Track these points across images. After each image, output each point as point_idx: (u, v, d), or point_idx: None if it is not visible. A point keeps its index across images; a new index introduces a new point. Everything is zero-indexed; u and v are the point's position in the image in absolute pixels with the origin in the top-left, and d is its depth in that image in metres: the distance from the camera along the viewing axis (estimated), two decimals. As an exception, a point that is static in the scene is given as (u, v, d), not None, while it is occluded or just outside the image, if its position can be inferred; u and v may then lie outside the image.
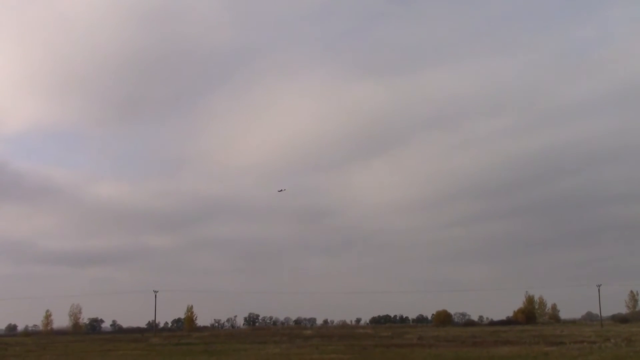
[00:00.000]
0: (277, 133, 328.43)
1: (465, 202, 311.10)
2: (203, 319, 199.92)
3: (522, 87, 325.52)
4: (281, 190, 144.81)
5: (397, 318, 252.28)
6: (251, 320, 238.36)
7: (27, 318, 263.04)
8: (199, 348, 66.28)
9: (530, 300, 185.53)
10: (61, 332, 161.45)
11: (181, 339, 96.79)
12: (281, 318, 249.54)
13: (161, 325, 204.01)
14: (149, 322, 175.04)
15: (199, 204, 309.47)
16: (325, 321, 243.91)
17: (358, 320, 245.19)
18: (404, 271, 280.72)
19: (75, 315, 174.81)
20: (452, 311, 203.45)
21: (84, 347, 72.51)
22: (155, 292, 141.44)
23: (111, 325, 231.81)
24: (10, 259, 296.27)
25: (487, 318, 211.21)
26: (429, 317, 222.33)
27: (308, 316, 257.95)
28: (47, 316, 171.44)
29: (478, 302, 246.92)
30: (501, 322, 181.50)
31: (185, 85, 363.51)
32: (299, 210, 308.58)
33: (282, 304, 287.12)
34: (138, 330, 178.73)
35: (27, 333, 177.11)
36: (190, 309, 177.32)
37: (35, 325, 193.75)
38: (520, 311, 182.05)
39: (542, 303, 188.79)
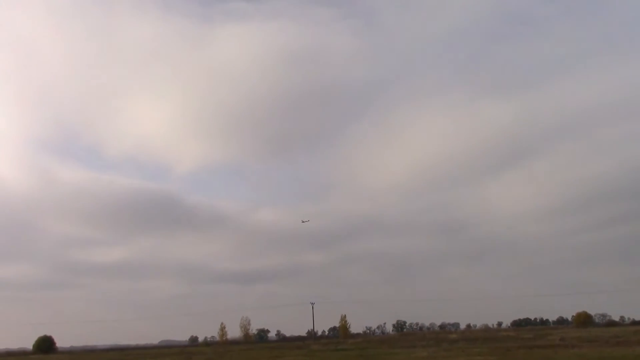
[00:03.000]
0: (414, 154, 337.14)
1: (598, 207, 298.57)
2: (356, 327, 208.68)
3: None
4: (305, 222, 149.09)
5: (538, 320, 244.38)
6: (399, 326, 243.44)
7: (206, 330, 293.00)
8: (354, 353, 70.62)
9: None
10: (234, 342, 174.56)
11: (338, 345, 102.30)
12: (427, 323, 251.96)
13: (319, 333, 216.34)
14: (309, 330, 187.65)
15: (348, 223, 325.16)
16: (469, 325, 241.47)
17: (500, 324, 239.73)
18: (542, 275, 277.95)
19: (245, 326, 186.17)
20: (592, 312, 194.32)
21: (255, 354, 78.94)
22: (312, 303, 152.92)
23: (276, 334, 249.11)
24: (189, 280, 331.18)
25: (629, 318, 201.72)
26: (569, 319, 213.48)
27: (452, 321, 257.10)
28: (222, 328, 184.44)
29: (618, 302, 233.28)
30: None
31: (330, 117, 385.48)
32: (438, 223, 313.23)
33: (427, 310, 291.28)
34: (299, 338, 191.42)
35: (207, 343, 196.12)
36: (344, 318, 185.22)
37: (212, 337, 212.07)
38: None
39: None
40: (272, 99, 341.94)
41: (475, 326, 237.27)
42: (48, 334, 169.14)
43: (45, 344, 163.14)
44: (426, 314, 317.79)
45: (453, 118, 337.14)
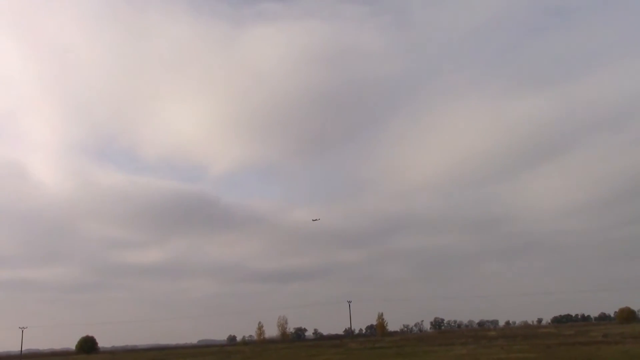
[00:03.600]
0: (449, 150, 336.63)
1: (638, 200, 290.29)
2: (393, 325, 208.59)
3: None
4: (315, 220, 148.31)
5: (579, 317, 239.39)
6: (437, 324, 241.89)
7: (243, 329, 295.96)
8: (392, 351, 70.17)
9: None
10: (272, 341, 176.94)
11: (375, 343, 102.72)
12: (465, 321, 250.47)
13: (356, 331, 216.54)
14: (346, 329, 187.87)
15: (383, 220, 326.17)
16: (508, 322, 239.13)
17: (539, 320, 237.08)
18: (581, 271, 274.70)
19: (282, 325, 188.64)
20: (635, 308, 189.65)
21: (292, 353, 79.32)
22: (349, 302, 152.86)
23: (313, 333, 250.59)
24: (226, 280, 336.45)
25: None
26: (612, 315, 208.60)
27: (490, 318, 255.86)
28: (260, 327, 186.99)
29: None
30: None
31: (364, 115, 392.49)
32: (475, 219, 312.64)
33: (465, 308, 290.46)
34: (336, 337, 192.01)
35: (245, 342, 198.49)
36: (380, 316, 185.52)
37: (250, 336, 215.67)
38: None
39: None
40: (305, 98, 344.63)
41: (514, 323, 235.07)
42: (90, 334, 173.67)
43: (88, 344, 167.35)
44: (464, 311, 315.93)
45: (488, 113, 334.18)
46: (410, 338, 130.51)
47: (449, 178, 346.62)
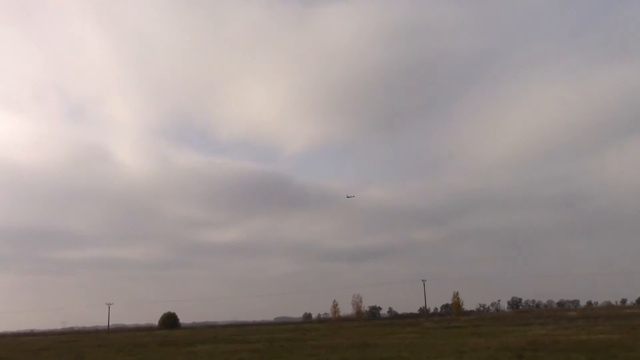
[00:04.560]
0: (528, 124, 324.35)
1: None
2: (469, 304, 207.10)
3: None
4: (350, 197, 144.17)
5: None
6: (514, 303, 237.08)
7: (319, 307, 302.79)
8: (468, 330, 68.57)
9: None
10: (347, 319, 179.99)
11: (451, 322, 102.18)
12: (544, 301, 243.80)
13: (431, 310, 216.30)
14: (420, 308, 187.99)
15: (459, 198, 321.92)
16: (589, 302, 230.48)
17: (623, 301, 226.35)
18: None
19: (357, 304, 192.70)
20: None
21: (367, 331, 78.65)
22: (424, 281, 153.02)
23: (388, 311, 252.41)
24: (302, 259, 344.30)
25: None
26: None
27: (571, 298, 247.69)
28: (335, 305, 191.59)
29: None
30: None
31: (438, 91, 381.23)
32: (556, 196, 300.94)
33: (544, 287, 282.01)
34: (411, 315, 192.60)
35: (320, 320, 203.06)
36: (456, 295, 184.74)
37: (325, 314, 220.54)
38: None
39: None
40: (378, 75, 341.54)
41: (596, 303, 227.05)
42: (172, 310, 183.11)
43: (170, 320, 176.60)
44: (543, 291, 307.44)
45: (569, 85, 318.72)
46: (486, 317, 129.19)
47: (528, 153, 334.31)
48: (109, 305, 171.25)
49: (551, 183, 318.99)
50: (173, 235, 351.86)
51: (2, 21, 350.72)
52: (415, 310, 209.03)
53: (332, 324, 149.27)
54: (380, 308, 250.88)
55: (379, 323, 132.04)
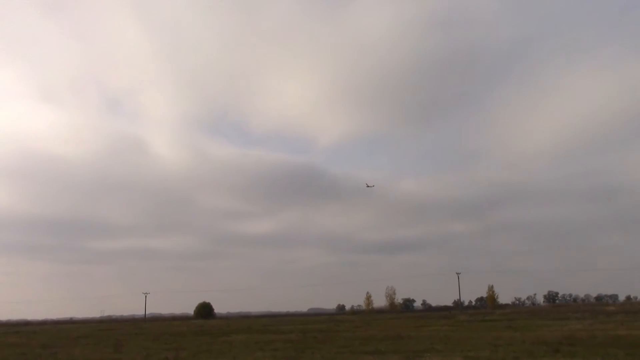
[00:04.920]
0: (566, 115, 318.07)
1: None
2: (504, 297, 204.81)
3: None
4: (370, 186, 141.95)
5: None
6: (551, 297, 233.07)
7: (352, 299, 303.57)
8: (503, 324, 67.61)
9: None
10: (380, 311, 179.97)
11: (485, 315, 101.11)
12: (581, 295, 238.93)
13: (465, 303, 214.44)
14: (455, 300, 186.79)
15: (494, 191, 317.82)
16: (628, 297, 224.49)
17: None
18: None
19: (390, 296, 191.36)
20: None
21: (400, 323, 78.60)
22: (458, 273, 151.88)
23: (422, 304, 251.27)
24: (335, 250, 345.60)
25: None
26: None
27: (609, 292, 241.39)
28: (368, 297, 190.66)
29: None
30: None
31: (473, 81, 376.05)
32: (594, 189, 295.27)
33: (581, 281, 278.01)
34: (445, 308, 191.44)
35: (353, 312, 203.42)
36: (491, 288, 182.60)
37: (359, 305, 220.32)
38: None
39: None
40: (412, 66, 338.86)
41: (635, 298, 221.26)
42: (207, 300, 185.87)
43: (205, 310, 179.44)
44: (581, 285, 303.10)
45: (609, 75, 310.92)
46: (522, 311, 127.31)
47: (566, 145, 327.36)
48: (145, 294, 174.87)
49: (590, 175, 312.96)
50: (208, 226, 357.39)
51: (40, 15, 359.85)
52: (449, 303, 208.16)
53: (365, 315, 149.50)
54: (413, 300, 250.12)
55: (412, 315, 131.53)
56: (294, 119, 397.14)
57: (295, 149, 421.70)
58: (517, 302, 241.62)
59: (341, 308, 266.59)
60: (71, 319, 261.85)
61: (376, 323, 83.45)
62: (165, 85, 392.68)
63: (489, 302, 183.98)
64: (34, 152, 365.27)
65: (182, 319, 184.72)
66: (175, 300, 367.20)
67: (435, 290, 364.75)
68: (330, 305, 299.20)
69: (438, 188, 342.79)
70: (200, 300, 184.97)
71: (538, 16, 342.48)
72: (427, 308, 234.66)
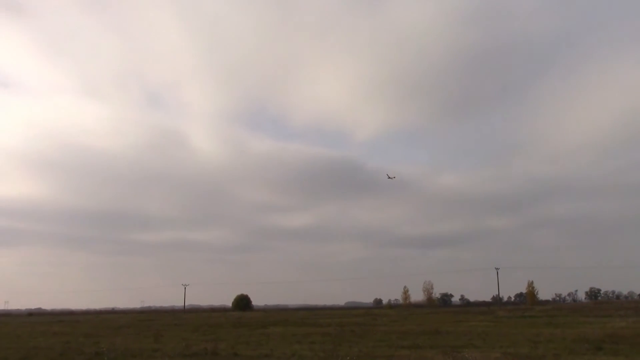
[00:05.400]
0: (609, 108, 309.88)
1: None
2: (544, 293, 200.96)
3: None
4: (391, 178, 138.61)
5: None
6: (592, 294, 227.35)
7: (389, 293, 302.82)
8: (543, 320, 66.70)
9: None
10: (417, 306, 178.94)
11: (525, 311, 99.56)
12: (624, 292, 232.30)
13: (504, 299, 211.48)
14: (493, 296, 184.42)
15: (534, 186, 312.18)
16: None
17: None
18: None
19: (428, 290, 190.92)
20: None
21: (438, 318, 77.96)
22: (497, 269, 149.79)
23: (460, 299, 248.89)
24: (372, 244, 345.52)
25: None
26: None
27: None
28: (405, 291, 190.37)
29: None
30: None
31: (513, 75, 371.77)
32: (636, 184, 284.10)
33: (624, 278, 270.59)
34: (484, 304, 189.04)
35: (390, 306, 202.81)
36: (531, 284, 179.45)
37: (396, 299, 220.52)
38: None
39: None
40: (450, 60, 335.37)
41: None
42: (245, 293, 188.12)
43: (243, 302, 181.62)
44: (624, 282, 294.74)
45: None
46: (562, 308, 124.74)
47: (609, 139, 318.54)
48: (185, 286, 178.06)
49: (634, 170, 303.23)
50: (246, 220, 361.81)
51: (82, 11, 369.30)
52: (488, 299, 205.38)
53: (403, 310, 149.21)
54: (451, 295, 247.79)
55: (450, 310, 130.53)
56: (332, 113, 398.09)
57: (333, 143, 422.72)
58: (558, 298, 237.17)
59: (378, 302, 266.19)
60: (113, 309, 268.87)
61: (413, 318, 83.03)
62: (204, 80, 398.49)
63: (528, 298, 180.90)
64: (76, 146, 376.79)
65: (221, 310, 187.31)
66: (214, 292, 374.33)
67: (473, 285, 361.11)
68: (367, 299, 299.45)
69: (477, 182, 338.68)
70: (238, 293, 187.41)
71: (580, 8, 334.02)
72: (465, 303, 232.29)
